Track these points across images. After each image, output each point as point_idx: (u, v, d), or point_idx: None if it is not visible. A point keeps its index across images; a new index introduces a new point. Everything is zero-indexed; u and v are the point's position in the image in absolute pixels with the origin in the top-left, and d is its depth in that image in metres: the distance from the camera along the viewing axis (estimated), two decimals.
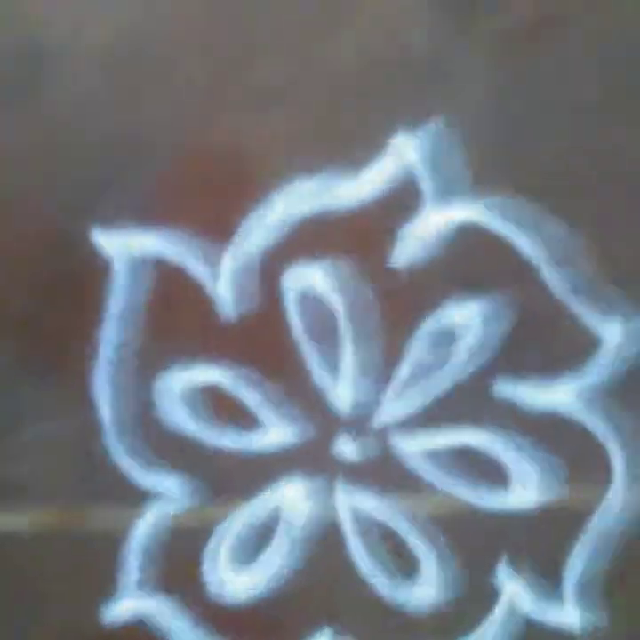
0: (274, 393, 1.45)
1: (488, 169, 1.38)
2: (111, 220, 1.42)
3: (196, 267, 1.43)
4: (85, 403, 1.46)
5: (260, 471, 1.47)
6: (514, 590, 1.50)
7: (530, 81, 1.37)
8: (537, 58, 1.37)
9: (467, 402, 1.44)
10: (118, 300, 1.44)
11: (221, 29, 1.41)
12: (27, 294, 1.46)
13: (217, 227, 1.42)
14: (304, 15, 1.39)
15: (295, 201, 1.40)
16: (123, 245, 1.43)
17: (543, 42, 1.36)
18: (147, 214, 1.42)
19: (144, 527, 1.48)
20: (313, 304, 1.43)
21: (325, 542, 1.47)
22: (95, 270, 1.43)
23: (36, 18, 1.42)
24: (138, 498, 1.48)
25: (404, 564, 1.48)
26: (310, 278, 1.42)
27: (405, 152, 1.38)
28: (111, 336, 1.44)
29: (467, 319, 1.42)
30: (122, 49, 1.42)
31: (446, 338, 1.43)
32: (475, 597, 1.50)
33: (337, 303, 1.42)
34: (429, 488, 1.46)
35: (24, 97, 1.42)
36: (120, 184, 1.41)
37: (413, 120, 1.37)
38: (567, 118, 1.38)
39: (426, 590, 1.49)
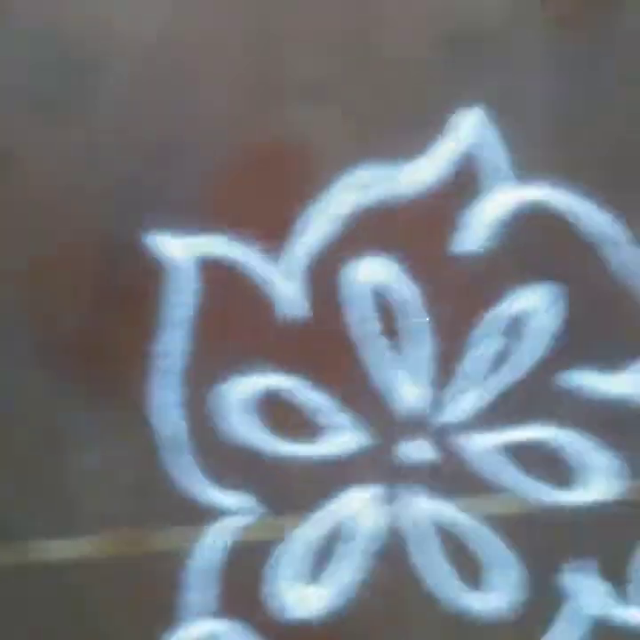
0: (335, 397, 1.41)
1: (551, 151, 1.38)
2: (166, 224, 1.37)
3: (254, 267, 1.38)
4: (142, 420, 1.39)
5: (323, 481, 1.42)
6: (580, 590, 1.47)
7: (589, 65, 1.37)
8: (597, 43, 1.37)
9: (533, 395, 1.42)
10: (174, 306, 1.38)
11: (268, 23, 1.38)
12: (83, 307, 1.39)
13: (276, 224, 1.38)
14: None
15: (355, 192, 1.37)
16: (179, 249, 1.37)
17: (601, 27, 1.37)
18: (203, 216, 1.37)
19: (207, 546, 1.40)
20: (376, 301, 1.40)
21: (391, 553, 1.42)
22: (150, 277, 1.37)
23: (78, 31, 1.36)
24: (200, 516, 1.41)
25: (470, 571, 1.44)
26: (374, 273, 1.39)
27: (466, 134, 1.37)
28: (167, 347, 1.38)
29: (533, 306, 1.40)
30: (164, 53, 1.38)
31: (512, 327, 1.40)
32: (541, 599, 1.47)
33: (399, 298, 1.39)
34: (495, 488, 1.43)
35: (67, 110, 1.36)
36: (174, 188, 1.37)
37: (473, 102, 1.36)
38: (627, 101, 1.39)
39: (493, 596, 1.45)
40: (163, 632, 1.41)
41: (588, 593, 1.47)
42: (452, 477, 1.43)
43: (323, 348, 1.40)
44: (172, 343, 1.38)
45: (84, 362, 1.39)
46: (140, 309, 1.38)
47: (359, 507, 1.42)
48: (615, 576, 1.47)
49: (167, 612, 1.41)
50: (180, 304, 1.38)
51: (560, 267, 1.40)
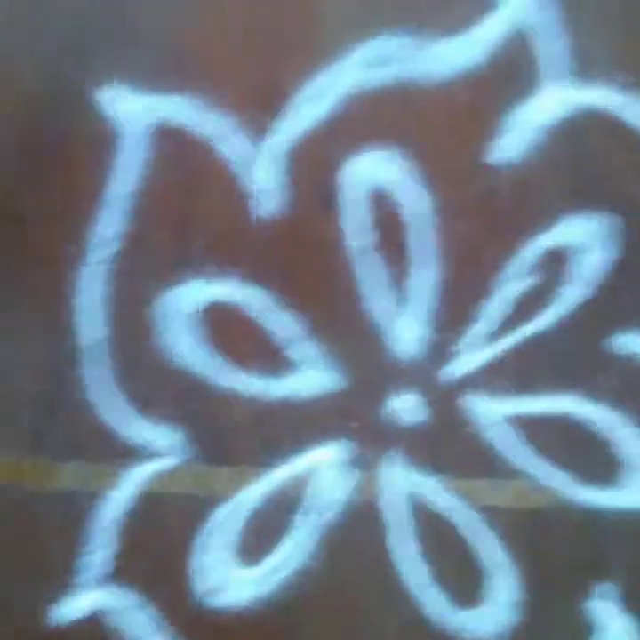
0: (314, 322, 1.08)
1: (620, 46, 1.06)
2: (123, 78, 1.08)
3: (226, 143, 1.08)
4: (58, 320, 1.08)
5: (284, 429, 1.09)
6: (606, 625, 1.10)
7: None
8: None
9: (567, 357, 1.08)
10: (122, 179, 1.08)
11: None
12: (8, 164, 1.10)
13: (263, 94, 1.08)
14: None
15: (369, 66, 1.06)
16: (136, 110, 1.08)
17: None
18: (170, 74, 1.08)
19: (119, 491, 1.08)
20: (378, 206, 1.08)
21: (360, 534, 1.08)
22: (95, 139, 1.08)
23: None
24: (117, 453, 1.08)
25: (467, 576, 1.08)
26: (378, 171, 1.08)
27: (517, 12, 1.06)
28: (102, 230, 1.08)
29: (581, 241, 1.07)
30: None
31: (551, 265, 1.08)
32: (547, 628, 1.10)
33: (411, 207, 1.07)
34: (501, 471, 1.08)
35: None
36: (135, 29, 1.08)
37: None
38: None
39: (493, 613, 1.09)
40: (51, 595, 1.07)
41: (615, 629, 1.10)
42: (446, 450, 1.09)
43: (302, 258, 1.08)
44: (109, 226, 1.08)
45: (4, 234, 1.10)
46: (74, 178, 1.08)
47: (327, 468, 1.08)
48: None
49: (58, 571, 1.08)
50: (125, 177, 1.08)
51: (620, 194, 1.07)
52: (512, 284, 1.07)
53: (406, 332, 1.08)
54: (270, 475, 1.09)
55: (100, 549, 1.07)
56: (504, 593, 1.08)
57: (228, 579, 1.08)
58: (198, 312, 1.08)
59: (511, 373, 1.08)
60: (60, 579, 1.08)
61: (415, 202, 1.08)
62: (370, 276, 1.08)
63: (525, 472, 1.08)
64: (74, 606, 1.07)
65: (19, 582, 1.08)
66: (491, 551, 1.08)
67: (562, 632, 1.10)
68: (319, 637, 1.08)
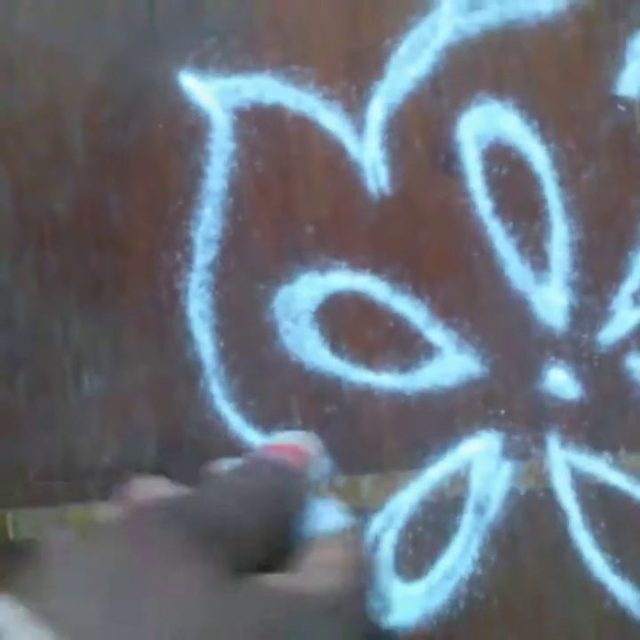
0: (448, 301, 0.97)
1: None
2: (201, 62, 0.98)
3: (327, 119, 0.97)
4: (172, 336, 0.98)
5: (429, 424, 0.98)
6: None
7: None
8: None
9: None
10: (216, 172, 0.97)
11: None
12: (78, 173, 1.00)
13: (355, 61, 0.97)
14: None
15: (466, 12, 0.96)
16: (220, 95, 0.97)
17: None
18: (251, 52, 0.97)
19: None
20: (501, 163, 0.97)
21: (530, 527, 0.96)
22: (181, 133, 0.98)
23: None
24: None
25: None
26: (495, 124, 0.97)
27: None
28: (209, 229, 0.97)
29: None
30: None
31: None
32: None
33: (536, 160, 0.96)
34: None
35: None
36: (212, 15, 0.98)
37: None
38: None
39: None
40: None
41: None
42: (611, 422, 0.98)
43: (426, 231, 0.98)
44: (210, 226, 0.97)
45: (80, 247, 0.99)
46: (164, 177, 0.98)
47: (475, 462, 0.97)
48: None
49: None
50: (219, 170, 0.97)
51: None
52: None
53: (551, 299, 0.97)
54: (421, 477, 0.98)
55: None
56: None
57: (392, 598, 0.97)
58: (318, 308, 0.98)
59: None
60: None
61: (539, 154, 0.97)
62: (504, 241, 0.97)
63: None
64: None
65: None
66: None
67: None
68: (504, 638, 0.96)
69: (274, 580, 0.46)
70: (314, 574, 0.49)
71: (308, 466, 0.56)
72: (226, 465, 0.54)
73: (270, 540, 0.47)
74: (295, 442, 0.55)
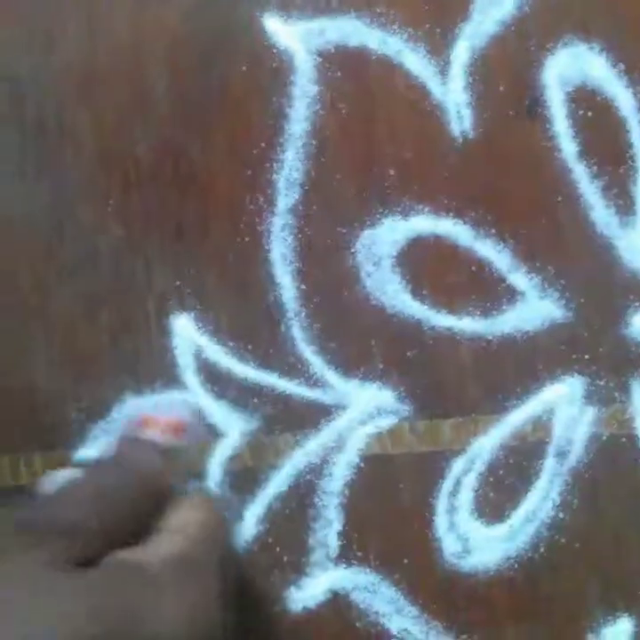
0: (532, 245, 0.97)
1: None
2: (284, 3, 0.97)
3: (410, 61, 0.97)
4: (254, 279, 0.98)
5: (511, 369, 0.98)
6: None
7: None
8: None
9: None
10: (299, 115, 0.97)
11: None
12: (155, 117, 1.00)
13: (442, 0, 0.97)
14: None
15: None
16: (303, 37, 0.97)
17: None
18: None
19: (338, 458, 0.97)
20: (587, 107, 0.96)
21: (613, 472, 0.96)
22: (263, 75, 0.98)
23: None
24: (321, 415, 0.98)
25: None
26: (581, 67, 0.96)
27: None
28: (292, 172, 0.97)
29: None
30: None
31: None
32: None
33: (622, 104, 0.95)
34: None
35: None
36: None
37: None
38: None
39: None
40: (289, 579, 0.97)
41: None
42: None
43: (509, 174, 0.97)
44: (293, 169, 0.97)
45: (163, 191, 0.99)
46: (247, 120, 0.98)
47: (558, 408, 0.97)
48: None
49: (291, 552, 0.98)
50: (302, 113, 0.97)
51: None
52: None
53: (636, 244, 0.96)
54: (503, 421, 0.97)
55: (328, 525, 0.97)
56: None
57: (474, 540, 0.97)
58: (399, 252, 0.98)
59: None
60: (295, 560, 0.97)
61: (625, 97, 0.96)
62: (589, 185, 0.96)
63: None
64: (312, 589, 0.97)
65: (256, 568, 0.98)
66: None
67: None
68: (582, 585, 0.96)
69: (124, 555, 0.48)
70: (166, 540, 0.51)
71: (181, 436, 0.58)
72: (55, 478, 0.56)
73: (123, 524, 0.50)
74: (169, 412, 0.58)
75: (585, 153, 0.95)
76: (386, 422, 0.96)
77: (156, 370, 0.98)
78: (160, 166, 0.99)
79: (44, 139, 1.01)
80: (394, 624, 0.95)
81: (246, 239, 0.98)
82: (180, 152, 0.98)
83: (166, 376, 0.98)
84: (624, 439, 0.96)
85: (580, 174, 0.95)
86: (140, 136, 0.99)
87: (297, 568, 0.96)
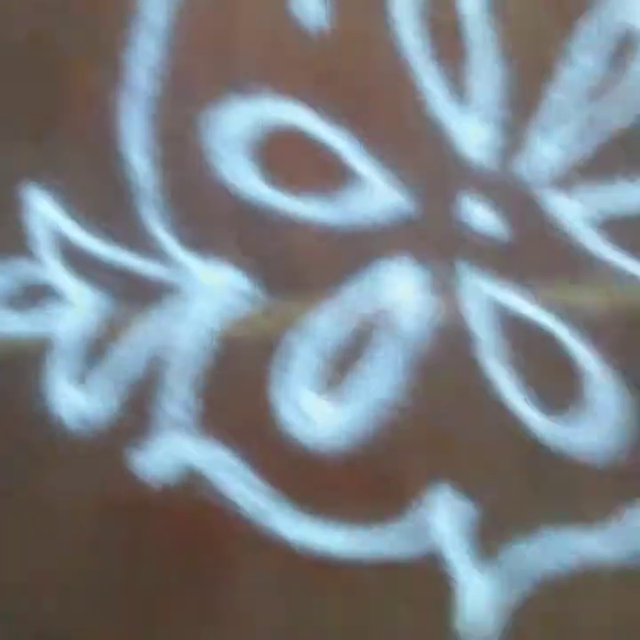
0: (372, 134, 1.02)
1: None
2: None
3: None
4: (109, 154, 1.02)
5: (351, 251, 1.03)
6: None
7: None
8: None
9: None
10: (156, 3, 1.02)
11: None
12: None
13: None
14: None
15: None
16: None
17: None
18: None
19: (186, 335, 1.02)
20: (431, 4, 1.01)
21: (446, 354, 1.01)
22: None
23: None
24: (173, 288, 1.03)
25: (563, 386, 1.01)
26: None
27: None
28: (144, 55, 1.02)
29: None
30: None
31: (628, 41, 0.99)
32: None
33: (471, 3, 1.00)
34: (599, 271, 1.00)
35: None
36: None
37: None
38: None
39: (593, 427, 1.02)
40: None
41: None
42: (526, 255, 1.01)
43: (361, 67, 1.01)
44: (151, 50, 1.02)
45: (35, 74, 1.04)
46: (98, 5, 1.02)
47: (402, 286, 1.01)
48: None
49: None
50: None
51: None
52: (579, 63, 0.99)
53: (472, 133, 1.01)
54: (341, 297, 1.02)
55: (176, 394, 1.02)
56: (606, 405, 1.01)
57: (311, 412, 1.02)
58: (249, 135, 1.02)
59: (592, 167, 1.00)
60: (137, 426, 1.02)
61: None
62: (429, 76, 1.01)
63: (614, 272, 1.01)
64: (159, 452, 1.02)
65: None
66: (589, 358, 1.00)
67: None
68: (419, 463, 1.01)
69: None
70: None
71: None
72: None
73: None
74: None
75: (430, 48, 1.00)
76: (232, 300, 1.01)
77: (9, 241, 1.03)
78: (21, 50, 1.03)
79: None
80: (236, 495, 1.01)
81: (101, 121, 1.02)
82: (41, 37, 1.02)
83: (19, 248, 1.03)
84: (452, 323, 1.01)
85: (422, 68, 0.99)
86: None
87: (139, 432, 1.01)
